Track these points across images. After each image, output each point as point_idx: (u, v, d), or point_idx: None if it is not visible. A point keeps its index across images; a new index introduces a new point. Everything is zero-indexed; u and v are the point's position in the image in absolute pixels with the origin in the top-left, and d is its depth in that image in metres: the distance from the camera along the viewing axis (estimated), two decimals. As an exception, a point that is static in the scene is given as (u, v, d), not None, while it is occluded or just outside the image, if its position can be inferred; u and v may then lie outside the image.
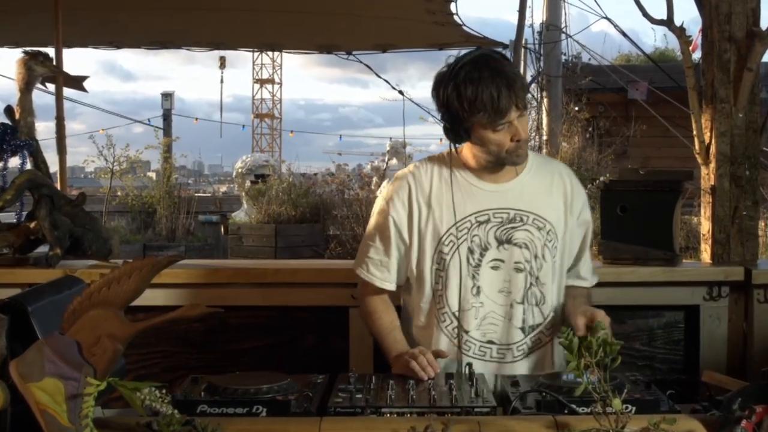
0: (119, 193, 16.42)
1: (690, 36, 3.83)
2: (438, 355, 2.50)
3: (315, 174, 17.05)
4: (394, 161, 14.22)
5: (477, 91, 2.45)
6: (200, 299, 1.96)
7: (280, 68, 35.21)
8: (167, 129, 19.82)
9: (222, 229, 13.95)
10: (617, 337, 2.08)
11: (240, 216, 13.40)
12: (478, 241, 2.61)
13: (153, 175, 18.85)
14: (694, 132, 3.65)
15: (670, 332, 3.41)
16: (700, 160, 3.65)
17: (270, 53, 32.03)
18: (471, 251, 2.61)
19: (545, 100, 12.38)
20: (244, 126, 30.45)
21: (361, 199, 11.68)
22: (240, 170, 14.42)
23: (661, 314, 3.41)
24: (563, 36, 11.95)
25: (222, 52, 23.39)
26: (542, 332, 2.67)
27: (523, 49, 10.18)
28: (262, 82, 35.32)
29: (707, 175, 3.62)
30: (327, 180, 14.53)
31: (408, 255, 2.69)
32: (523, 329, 2.63)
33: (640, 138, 12.27)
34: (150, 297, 2.07)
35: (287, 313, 3.37)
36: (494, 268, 2.61)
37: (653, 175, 3.40)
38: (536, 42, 12.00)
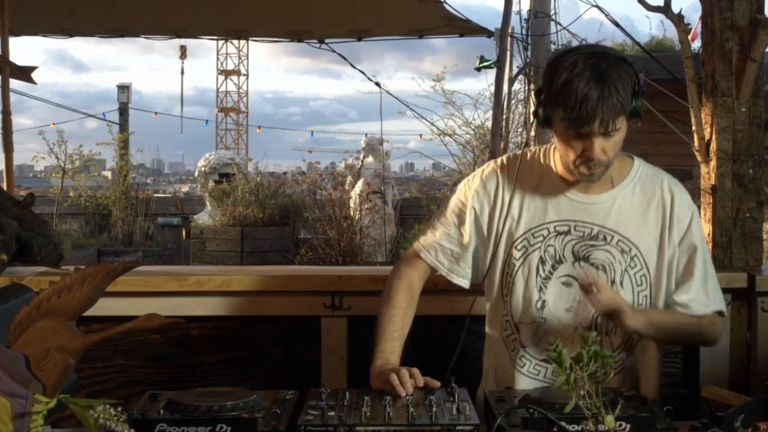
0: (71, 194, 16.36)
1: (689, 24, 3.84)
2: (428, 384, 2.37)
3: (284, 173, 17.10)
4: (369, 159, 14.24)
5: (567, 84, 2.36)
6: (159, 309, 1.95)
7: (246, 58, 35.19)
8: (124, 124, 19.75)
9: (183, 233, 13.92)
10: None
11: (203, 218, 13.39)
12: (552, 252, 2.57)
13: (108, 174, 18.79)
14: (694, 127, 3.66)
15: (667, 343, 3.41)
16: (699, 158, 3.65)
17: (235, 42, 32.02)
18: (542, 261, 2.58)
19: (533, 93, 12.39)
20: (207, 121, 30.41)
21: (334, 200, 11.67)
22: (203, 169, 14.42)
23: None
24: (553, 25, 11.98)
25: (183, 41, 23.33)
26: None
27: (509, 38, 10.17)
28: (226, 73, 35.25)
29: (707, 174, 3.63)
30: (297, 179, 14.53)
31: (484, 252, 2.67)
32: None
33: (635, 134, 12.30)
34: (104, 306, 2.06)
35: (254, 323, 3.35)
36: (565, 284, 2.57)
37: (649, 173, 3.40)
38: (524, 30, 12.02)
